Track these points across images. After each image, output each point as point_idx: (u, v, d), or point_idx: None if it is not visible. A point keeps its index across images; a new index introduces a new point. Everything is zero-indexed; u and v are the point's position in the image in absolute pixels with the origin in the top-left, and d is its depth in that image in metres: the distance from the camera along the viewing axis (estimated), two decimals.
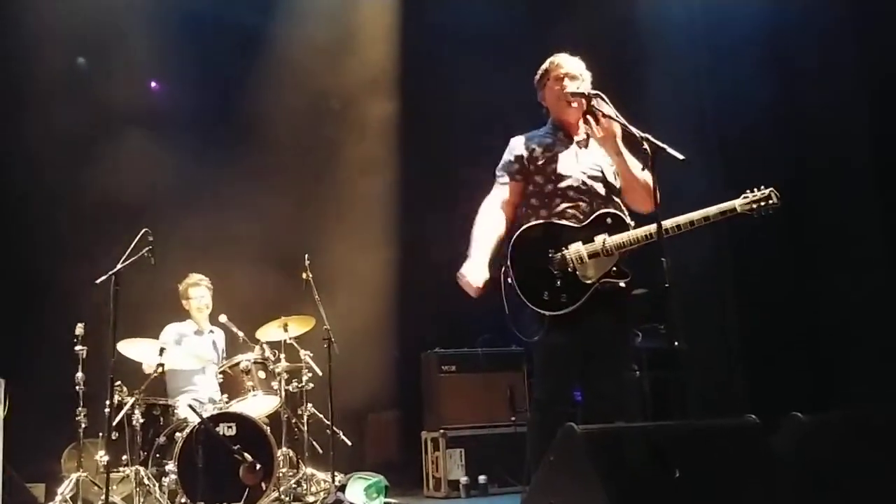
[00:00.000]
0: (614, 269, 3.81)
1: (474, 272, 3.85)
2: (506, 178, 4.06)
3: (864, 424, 3.29)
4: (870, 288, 5.95)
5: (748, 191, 3.70)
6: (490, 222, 3.99)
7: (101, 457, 5.59)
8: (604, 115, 3.87)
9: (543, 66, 4.16)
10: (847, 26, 6.22)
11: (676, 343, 3.63)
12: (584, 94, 3.98)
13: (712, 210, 3.71)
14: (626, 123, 3.77)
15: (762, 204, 3.66)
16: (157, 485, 5.72)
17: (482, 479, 6.82)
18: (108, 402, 5.55)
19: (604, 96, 3.90)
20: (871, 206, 6.02)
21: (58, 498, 5.63)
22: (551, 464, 2.84)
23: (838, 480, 2.97)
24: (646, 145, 3.60)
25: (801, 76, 6.56)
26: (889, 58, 5.81)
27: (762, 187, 3.69)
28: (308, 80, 8.24)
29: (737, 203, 3.69)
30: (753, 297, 6.63)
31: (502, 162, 4.12)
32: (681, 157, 3.55)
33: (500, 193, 4.06)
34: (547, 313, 3.73)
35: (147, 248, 5.72)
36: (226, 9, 8.29)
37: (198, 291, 6.75)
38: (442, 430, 6.94)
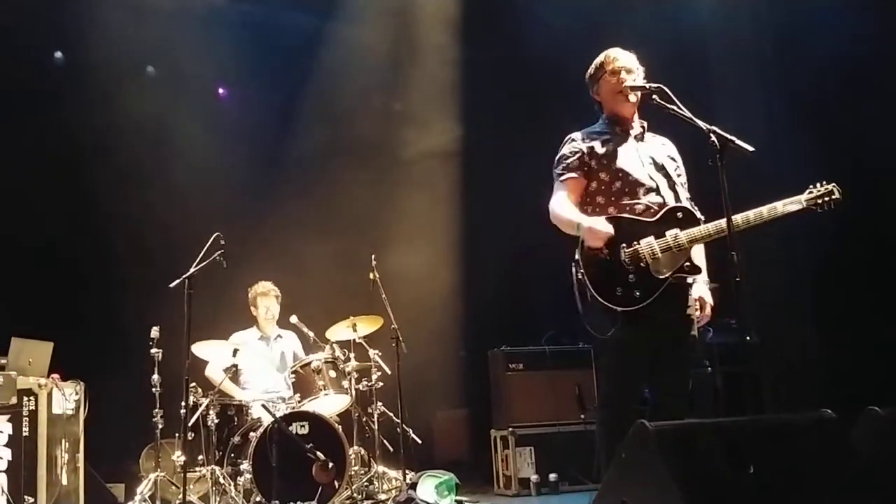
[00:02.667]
0: (686, 263, 3.79)
1: (599, 221, 3.81)
2: (567, 175, 4.01)
3: None
4: None
5: (811, 186, 3.72)
6: (570, 206, 3.95)
7: (178, 457, 5.71)
8: (667, 111, 3.83)
9: (597, 61, 4.13)
10: None
11: (749, 337, 3.56)
12: (645, 87, 3.94)
13: (779, 205, 3.72)
14: (692, 117, 3.72)
15: (825, 199, 3.68)
16: (232, 484, 5.82)
17: (553, 476, 6.80)
18: (183, 403, 5.67)
19: (666, 89, 3.86)
20: None
21: (137, 497, 5.77)
22: (623, 461, 2.82)
23: None
24: (713, 138, 3.55)
25: (879, 62, 6.40)
26: None
27: (824, 182, 3.71)
28: (371, 81, 8.32)
29: (802, 198, 3.71)
30: (828, 289, 6.49)
31: (560, 158, 4.07)
32: (749, 148, 3.52)
33: (563, 191, 4.01)
34: (620, 309, 3.70)
35: (219, 252, 5.82)
36: (285, 13, 8.41)
37: (265, 302, 6.85)
38: (511, 428, 6.94)
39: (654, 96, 3.88)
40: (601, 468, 3.81)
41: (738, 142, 3.53)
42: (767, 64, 6.95)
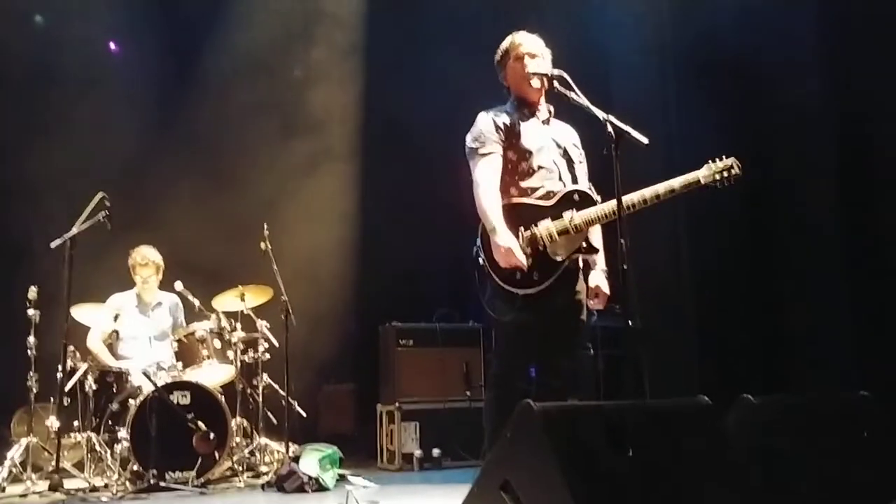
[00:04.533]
0: (584, 244, 3.86)
1: (516, 244, 3.75)
2: (489, 149, 3.96)
3: (813, 408, 3.37)
4: (825, 273, 6.05)
5: (710, 161, 3.79)
6: (495, 195, 3.86)
7: (53, 422, 5.54)
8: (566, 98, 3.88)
9: (503, 46, 4.16)
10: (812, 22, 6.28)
11: (631, 323, 3.65)
12: (546, 73, 3.99)
13: (676, 182, 3.79)
14: (590, 105, 3.77)
15: (724, 174, 3.74)
16: (108, 451, 5.69)
17: (436, 452, 6.86)
18: (60, 367, 5.49)
19: (566, 76, 3.91)
20: (829, 192, 6.11)
21: (7, 462, 5.58)
22: (508, 440, 2.87)
23: (786, 461, 3.04)
24: (609, 128, 3.62)
25: (766, 65, 6.60)
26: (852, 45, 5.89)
27: (724, 157, 3.78)
28: (269, 45, 8.15)
29: (700, 174, 3.78)
30: (709, 279, 6.71)
31: (478, 134, 4.01)
32: (644, 140, 3.59)
33: (489, 167, 3.94)
34: (520, 292, 3.75)
35: (103, 213, 5.66)
36: None
37: (144, 272, 6.54)
38: (397, 404, 6.96)
39: (555, 83, 3.93)
40: (488, 446, 3.86)
41: (634, 133, 3.60)
42: (665, 38, 7.06)
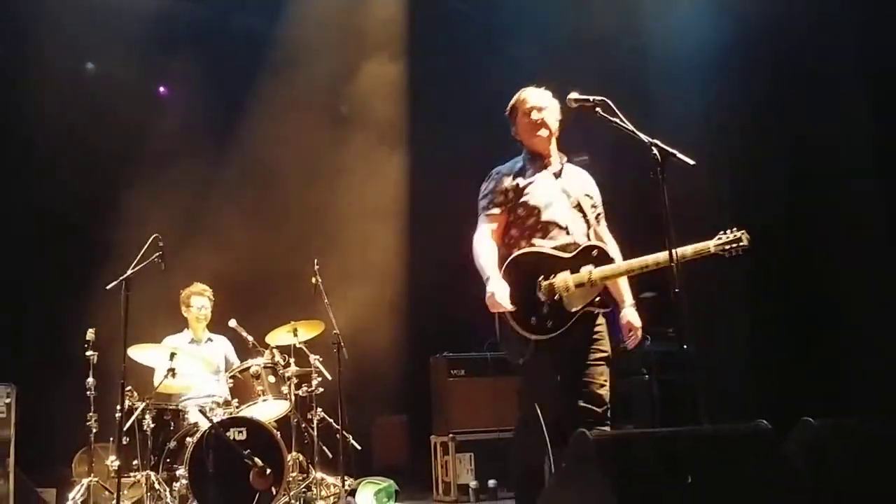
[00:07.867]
0: (597, 299, 3.96)
1: (503, 291, 3.85)
2: (491, 210, 4.13)
3: (876, 431, 3.29)
4: (884, 293, 5.94)
5: (721, 232, 3.86)
6: (489, 250, 4.04)
7: (112, 461, 5.61)
8: (609, 122, 3.88)
9: (511, 103, 4.27)
10: (847, 25, 6.23)
11: (686, 346, 3.63)
12: (588, 99, 3.99)
13: (689, 249, 3.84)
14: (634, 129, 3.77)
15: (733, 246, 3.83)
16: (167, 489, 5.73)
17: (492, 483, 6.82)
18: (118, 407, 5.57)
19: (609, 102, 3.91)
20: (888, 211, 6.03)
21: (69, 503, 5.65)
22: (564, 471, 2.85)
23: (849, 486, 2.97)
24: (655, 151, 3.61)
25: (799, 78, 6.54)
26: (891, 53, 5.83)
27: (734, 229, 3.86)
28: (316, 82, 8.25)
29: (711, 244, 3.85)
30: (765, 301, 6.61)
31: (487, 192, 4.18)
32: (690, 161, 3.58)
33: (488, 226, 4.13)
34: (533, 337, 3.83)
35: (157, 254, 5.74)
36: (232, 14, 8.36)
37: (199, 301, 6.72)
38: (451, 435, 6.94)
39: (598, 109, 3.93)
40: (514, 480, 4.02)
41: (680, 155, 3.60)
42: (707, 82, 7.05)
